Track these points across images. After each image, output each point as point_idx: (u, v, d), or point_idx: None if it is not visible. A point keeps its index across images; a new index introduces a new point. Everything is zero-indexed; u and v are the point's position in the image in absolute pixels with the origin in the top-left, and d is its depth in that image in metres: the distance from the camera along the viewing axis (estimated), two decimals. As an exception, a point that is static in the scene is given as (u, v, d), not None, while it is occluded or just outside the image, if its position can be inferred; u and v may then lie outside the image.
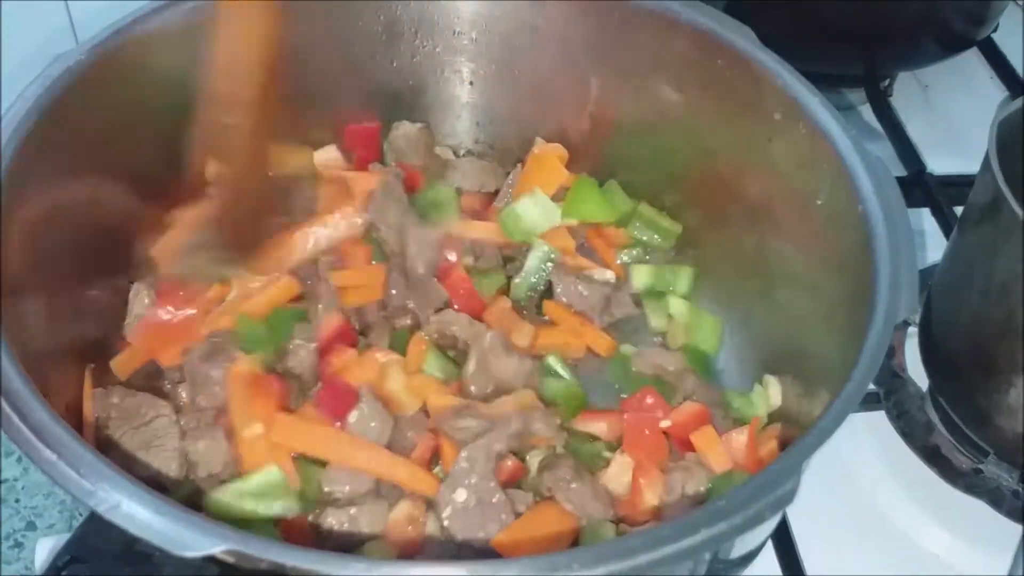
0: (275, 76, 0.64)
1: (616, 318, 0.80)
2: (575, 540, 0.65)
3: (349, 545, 0.64)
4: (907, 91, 1.10)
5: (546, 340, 0.77)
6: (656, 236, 0.82)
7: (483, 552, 0.62)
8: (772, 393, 0.72)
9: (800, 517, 0.72)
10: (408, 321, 0.76)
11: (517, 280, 0.80)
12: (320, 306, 0.74)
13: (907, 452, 0.77)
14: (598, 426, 0.72)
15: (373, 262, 0.78)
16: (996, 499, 0.74)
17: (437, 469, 0.69)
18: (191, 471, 0.66)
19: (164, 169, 0.75)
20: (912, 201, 0.92)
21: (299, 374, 0.71)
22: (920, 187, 0.96)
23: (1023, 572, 0.69)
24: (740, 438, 0.68)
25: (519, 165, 0.85)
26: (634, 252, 0.83)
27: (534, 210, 0.80)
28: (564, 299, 0.79)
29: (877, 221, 0.63)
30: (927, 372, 0.78)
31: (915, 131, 1.03)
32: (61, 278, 0.68)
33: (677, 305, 0.80)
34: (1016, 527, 0.73)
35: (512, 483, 0.68)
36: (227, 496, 0.63)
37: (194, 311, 0.73)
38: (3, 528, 0.79)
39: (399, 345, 0.74)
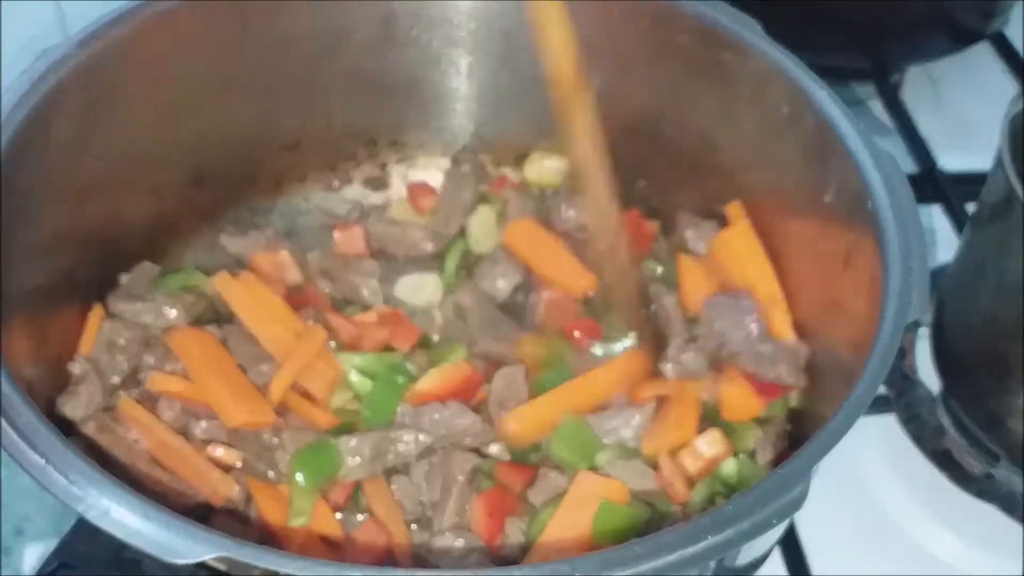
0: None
1: None
2: None
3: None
4: (917, 85, 1.09)
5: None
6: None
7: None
8: None
9: (808, 522, 0.72)
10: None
11: None
12: None
13: (918, 456, 0.77)
14: None
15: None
16: (1008, 504, 0.74)
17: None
18: None
19: (157, 166, 0.75)
20: (923, 198, 0.92)
21: None
22: (931, 183, 0.95)
23: (1036, 578, 0.68)
24: None
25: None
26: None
27: None
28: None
29: (887, 218, 0.62)
30: (938, 374, 0.78)
31: (926, 126, 1.02)
32: (49, 277, 0.67)
33: None
34: (1028, 532, 0.72)
35: None
36: None
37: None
38: (-10, 534, 0.79)
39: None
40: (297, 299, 0.75)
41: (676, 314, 0.74)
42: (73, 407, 0.66)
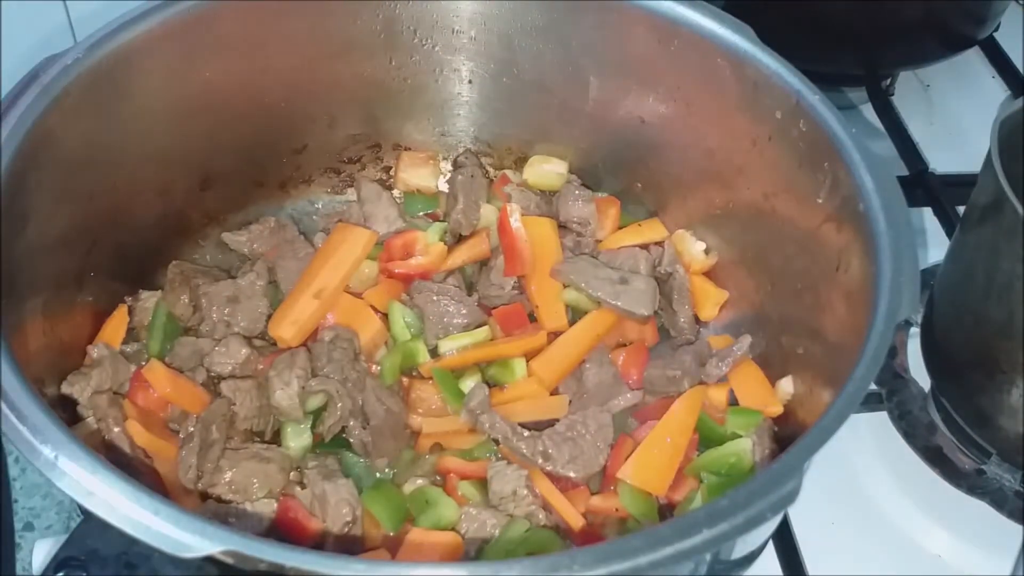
0: None
1: None
2: None
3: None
4: (909, 90, 1.10)
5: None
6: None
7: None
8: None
9: (802, 517, 0.72)
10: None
11: None
12: None
13: (909, 453, 0.77)
14: None
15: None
16: (998, 500, 0.74)
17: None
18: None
19: (165, 169, 0.76)
20: (914, 200, 0.92)
21: None
22: (922, 186, 0.96)
23: (1025, 573, 0.69)
24: None
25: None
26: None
27: None
28: None
29: (878, 220, 0.63)
30: (929, 372, 0.78)
31: (917, 130, 1.03)
32: (58, 277, 0.68)
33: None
34: (1018, 528, 0.73)
35: None
36: None
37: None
38: (1, 529, 0.79)
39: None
40: None
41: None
42: (81, 388, 0.66)
